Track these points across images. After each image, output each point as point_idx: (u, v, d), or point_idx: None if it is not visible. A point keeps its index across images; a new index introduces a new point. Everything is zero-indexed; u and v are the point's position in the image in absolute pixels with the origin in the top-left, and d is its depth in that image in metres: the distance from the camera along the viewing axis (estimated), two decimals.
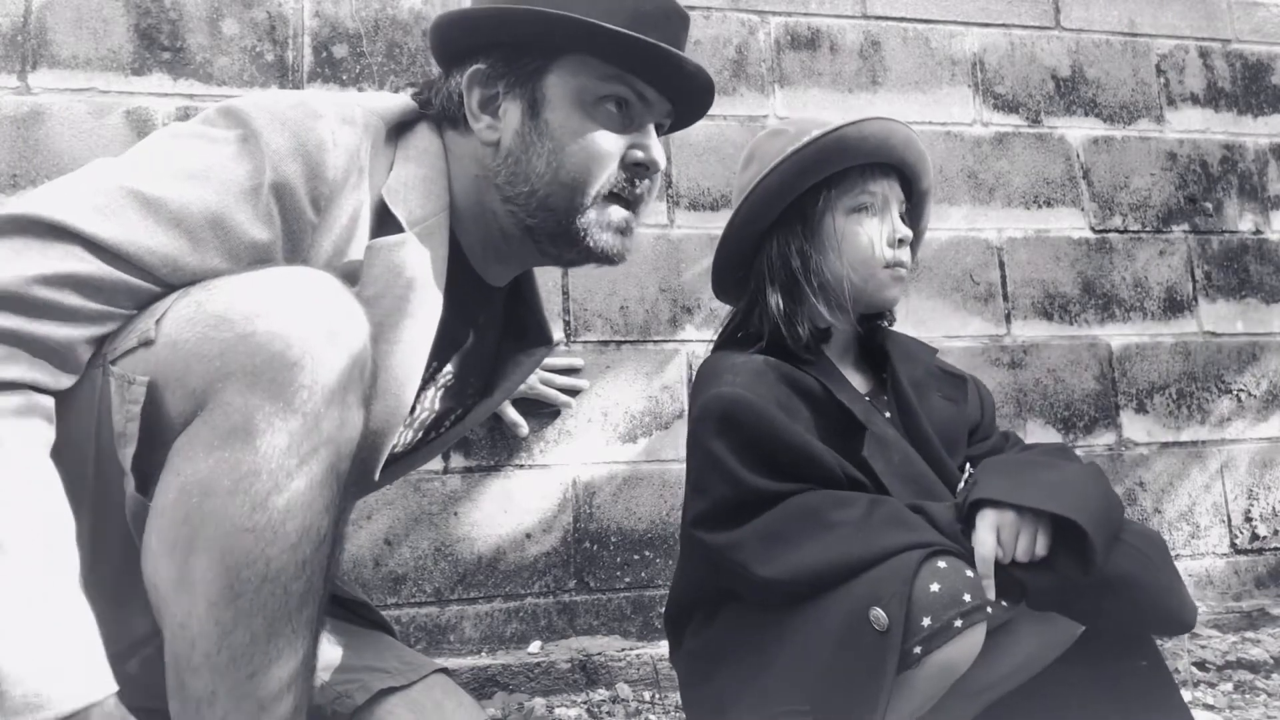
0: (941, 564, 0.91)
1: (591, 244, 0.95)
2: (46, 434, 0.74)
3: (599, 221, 0.95)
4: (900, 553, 0.93)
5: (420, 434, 1.04)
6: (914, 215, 1.22)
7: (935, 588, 0.89)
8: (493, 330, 1.11)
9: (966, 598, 0.89)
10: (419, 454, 1.06)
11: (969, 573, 0.91)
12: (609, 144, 0.94)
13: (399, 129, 0.96)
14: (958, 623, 0.89)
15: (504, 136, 0.94)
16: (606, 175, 0.94)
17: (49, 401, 0.75)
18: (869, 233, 1.14)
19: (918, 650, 0.89)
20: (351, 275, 0.88)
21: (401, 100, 0.97)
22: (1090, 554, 0.91)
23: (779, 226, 1.17)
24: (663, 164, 0.97)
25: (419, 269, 0.91)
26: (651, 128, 0.98)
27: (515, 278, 1.12)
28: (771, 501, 1.01)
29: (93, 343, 0.78)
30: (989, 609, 0.90)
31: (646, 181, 0.98)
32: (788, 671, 0.96)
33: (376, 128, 0.91)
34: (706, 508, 1.05)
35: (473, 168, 0.97)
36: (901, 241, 1.15)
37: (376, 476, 0.96)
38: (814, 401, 1.10)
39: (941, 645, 0.89)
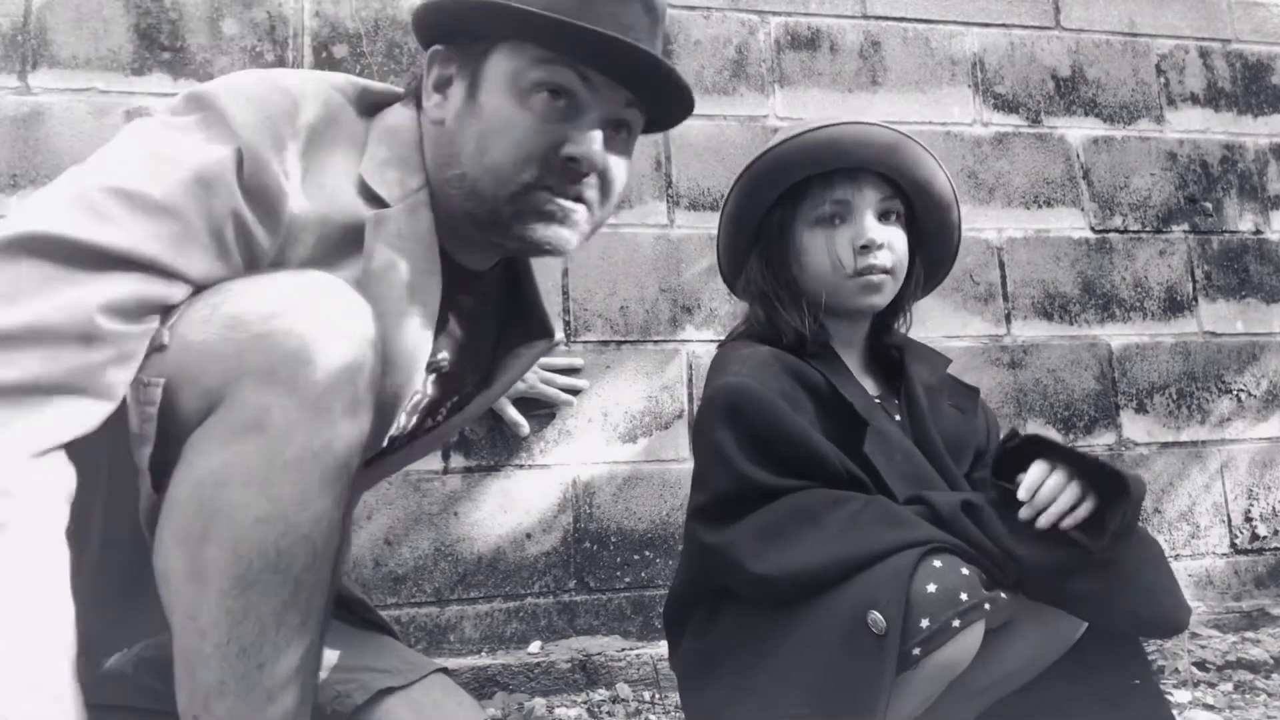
0: (937, 563, 0.91)
1: (520, 232, 0.91)
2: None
3: (527, 210, 0.90)
4: (895, 552, 0.93)
5: (415, 418, 1.04)
6: (926, 214, 1.18)
7: (932, 588, 0.90)
8: (488, 320, 1.11)
9: (963, 597, 0.89)
10: (417, 444, 1.06)
11: (965, 571, 0.91)
12: (533, 133, 0.89)
13: (373, 108, 0.96)
14: (955, 623, 0.89)
15: (447, 117, 0.93)
16: (531, 167, 0.89)
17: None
18: (830, 244, 1.12)
19: (916, 652, 0.89)
20: (347, 239, 0.88)
21: (370, 83, 0.97)
22: (1117, 518, 0.92)
23: (757, 241, 1.18)
24: (597, 160, 0.90)
25: (415, 241, 0.91)
26: (593, 120, 0.91)
27: (512, 269, 1.12)
28: (770, 497, 1.01)
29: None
30: (986, 606, 0.90)
31: (589, 178, 0.92)
32: (787, 675, 0.96)
33: (340, 104, 0.91)
34: (705, 500, 1.06)
35: (431, 147, 0.96)
36: (865, 247, 1.11)
37: (385, 441, 0.97)
38: (818, 395, 1.10)
39: (940, 646, 0.89)
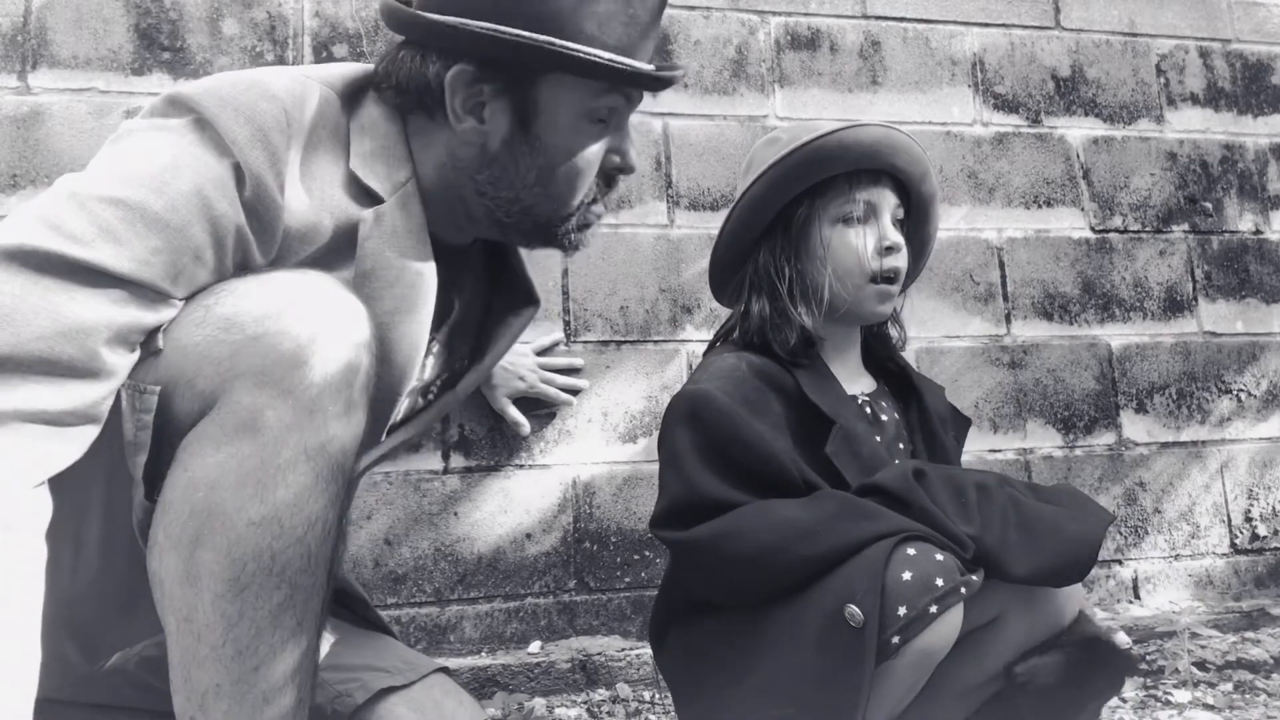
0: (911, 550, 0.92)
1: (564, 242, 1.02)
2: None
3: (581, 224, 1.01)
4: (868, 544, 0.93)
5: (408, 400, 1.04)
6: (917, 220, 1.21)
7: (907, 576, 0.90)
8: (475, 291, 1.11)
9: (939, 582, 0.90)
10: (410, 424, 1.06)
11: (939, 556, 0.92)
12: (595, 158, 0.97)
13: (357, 94, 0.96)
14: (933, 609, 0.89)
15: (490, 141, 0.93)
16: (589, 186, 0.98)
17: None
18: (855, 242, 1.13)
19: (896, 640, 0.89)
20: (339, 240, 0.88)
21: (350, 69, 0.96)
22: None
23: (768, 235, 1.17)
24: (637, 165, 1.03)
25: (409, 236, 0.91)
26: (629, 126, 1.01)
27: (498, 242, 1.12)
28: (721, 509, 1.02)
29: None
30: (963, 590, 0.91)
31: (620, 179, 1.04)
32: (770, 675, 0.97)
33: (327, 100, 0.90)
34: (663, 507, 1.06)
35: (441, 154, 0.96)
36: (890, 249, 1.13)
37: (384, 436, 0.97)
38: (790, 399, 1.10)
39: (919, 633, 0.89)
